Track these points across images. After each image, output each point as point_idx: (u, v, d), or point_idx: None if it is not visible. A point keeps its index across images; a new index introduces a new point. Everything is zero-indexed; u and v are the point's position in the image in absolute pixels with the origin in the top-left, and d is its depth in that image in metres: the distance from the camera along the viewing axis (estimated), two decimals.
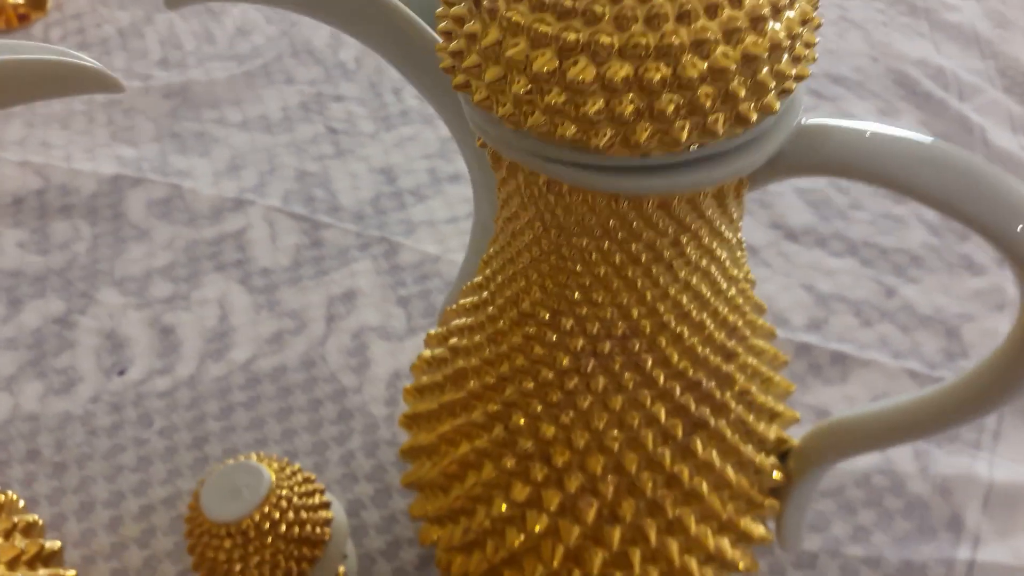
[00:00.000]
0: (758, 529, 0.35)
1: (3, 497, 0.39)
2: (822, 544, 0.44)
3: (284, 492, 0.38)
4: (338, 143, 0.68)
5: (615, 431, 0.30)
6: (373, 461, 0.48)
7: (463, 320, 0.34)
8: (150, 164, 0.67)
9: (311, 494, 0.40)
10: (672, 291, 0.28)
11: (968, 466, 0.47)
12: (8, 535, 0.36)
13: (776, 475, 0.35)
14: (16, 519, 0.39)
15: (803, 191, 0.63)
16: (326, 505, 0.40)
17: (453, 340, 0.35)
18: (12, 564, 0.36)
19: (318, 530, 0.39)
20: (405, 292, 0.57)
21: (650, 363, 0.30)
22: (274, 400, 0.51)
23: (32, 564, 0.38)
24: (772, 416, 0.35)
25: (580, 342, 0.29)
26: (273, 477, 0.39)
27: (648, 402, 0.30)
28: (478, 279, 0.33)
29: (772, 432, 0.34)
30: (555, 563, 0.33)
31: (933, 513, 0.45)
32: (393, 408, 0.51)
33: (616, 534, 0.32)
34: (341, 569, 0.42)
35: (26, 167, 0.67)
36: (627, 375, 0.30)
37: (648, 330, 0.29)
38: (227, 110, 0.72)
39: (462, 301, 0.35)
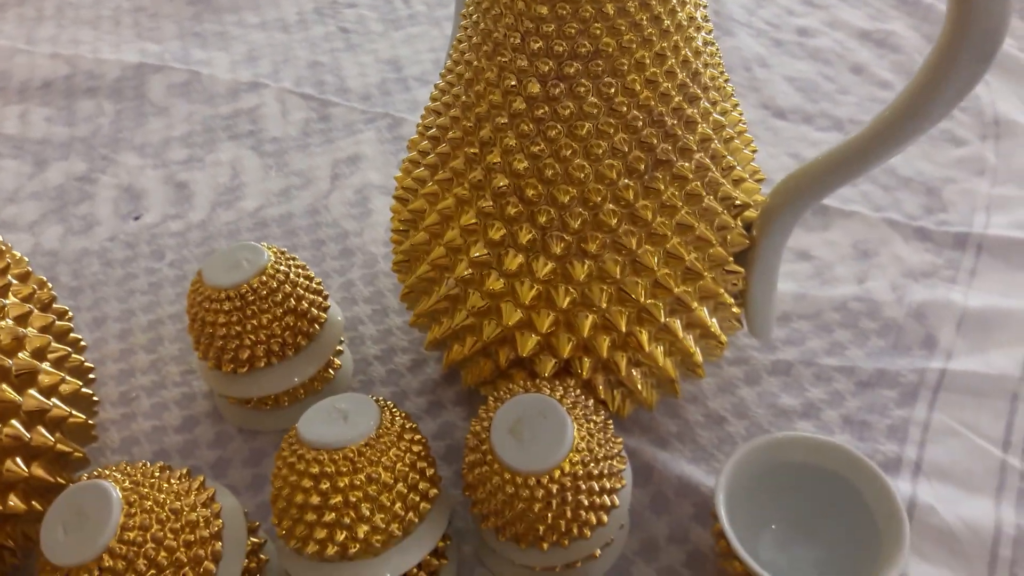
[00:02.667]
0: (719, 290, 0.37)
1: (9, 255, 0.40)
2: (798, 356, 0.46)
3: (282, 268, 0.41)
4: (349, 40, 0.71)
5: (582, 161, 0.33)
6: (371, 288, 0.50)
7: (437, 104, 0.37)
8: (172, 55, 0.70)
9: (309, 278, 0.42)
10: (631, 7, 0.31)
11: (944, 295, 0.48)
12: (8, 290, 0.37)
13: (741, 237, 0.37)
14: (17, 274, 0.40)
15: (792, 78, 0.65)
16: (321, 292, 0.43)
17: (431, 120, 0.37)
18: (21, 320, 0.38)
19: (314, 309, 0.42)
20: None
21: (614, 89, 0.32)
22: (280, 240, 0.54)
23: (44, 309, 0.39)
24: (737, 181, 0.37)
25: (548, 65, 0.32)
26: (273, 257, 0.41)
27: (613, 131, 0.32)
28: (445, 71, 0.36)
29: (738, 194, 0.36)
30: (527, 300, 0.35)
31: (908, 334, 0.47)
32: (389, 248, 0.53)
33: (583, 268, 0.34)
34: (336, 361, 0.45)
35: (56, 58, 0.70)
36: (592, 100, 0.32)
37: (611, 50, 0.31)
38: (246, 14, 0.75)
39: (432, 100, 0.38)
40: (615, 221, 0.33)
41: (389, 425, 0.34)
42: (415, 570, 0.35)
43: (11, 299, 0.36)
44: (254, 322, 0.40)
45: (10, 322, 0.35)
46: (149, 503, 0.32)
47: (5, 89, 0.68)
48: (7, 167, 0.61)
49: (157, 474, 0.34)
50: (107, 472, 0.33)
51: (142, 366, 0.47)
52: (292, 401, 0.43)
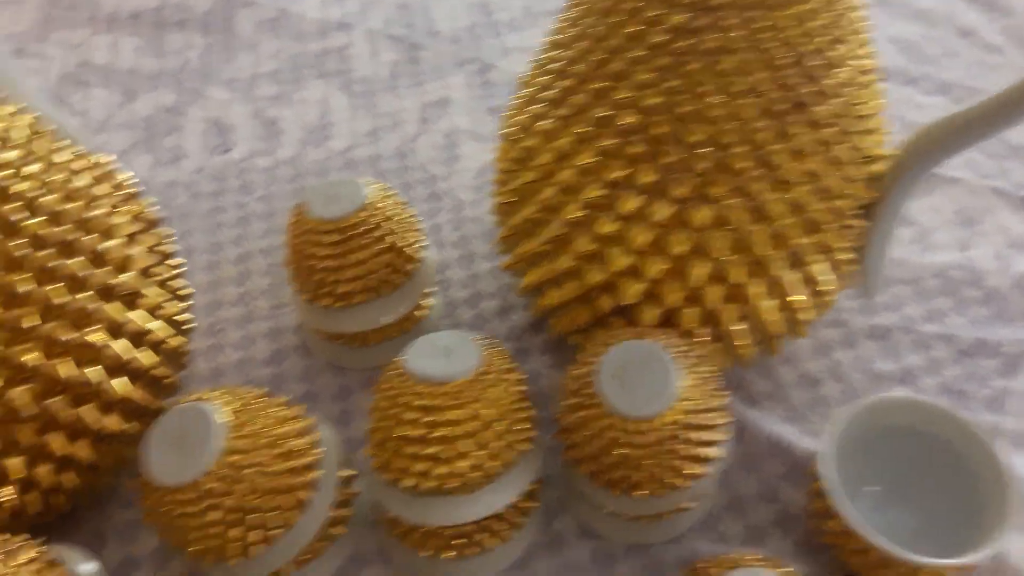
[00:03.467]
0: (838, 245, 0.36)
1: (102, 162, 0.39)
2: (896, 321, 0.44)
3: (380, 206, 0.41)
4: None
5: (719, 99, 0.31)
6: (458, 233, 0.50)
7: (561, 37, 0.36)
8: None
9: (408, 216, 0.42)
10: None
11: None
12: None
13: (866, 190, 0.35)
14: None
15: (897, 39, 0.62)
16: (419, 231, 0.43)
17: (555, 54, 0.36)
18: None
19: (412, 248, 0.41)
20: (495, 103, 0.59)
21: (760, 24, 0.30)
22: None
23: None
24: (867, 130, 0.35)
25: None
26: (375, 192, 0.41)
27: (754, 68, 0.31)
28: (571, 3, 0.35)
29: (866, 144, 0.35)
30: (640, 245, 0.34)
31: (1011, 304, 0.45)
32: (479, 195, 0.52)
33: (704, 213, 0.33)
34: (427, 302, 0.45)
35: None
36: (738, 34, 0.31)
37: None
38: None
39: (554, 34, 0.37)
40: (745, 164, 0.32)
41: (492, 364, 0.33)
42: (506, 509, 0.35)
43: (119, 218, 0.36)
44: (355, 256, 0.40)
45: (118, 241, 0.35)
46: (252, 428, 0.32)
47: (95, 19, 0.68)
48: (97, 96, 0.61)
49: (259, 401, 0.34)
50: (210, 396, 0.33)
51: (230, 299, 0.47)
52: (381, 339, 0.43)
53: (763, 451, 0.39)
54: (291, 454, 0.33)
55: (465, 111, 0.58)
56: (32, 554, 0.30)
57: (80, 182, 0.35)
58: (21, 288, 0.31)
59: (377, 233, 0.40)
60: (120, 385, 0.35)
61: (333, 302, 0.41)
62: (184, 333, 0.39)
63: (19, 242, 0.31)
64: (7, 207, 0.31)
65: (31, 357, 0.31)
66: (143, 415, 0.37)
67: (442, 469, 0.32)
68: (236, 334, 0.46)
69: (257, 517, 0.32)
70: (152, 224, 0.38)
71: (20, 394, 0.31)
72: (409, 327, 0.44)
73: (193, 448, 0.31)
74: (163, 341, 0.37)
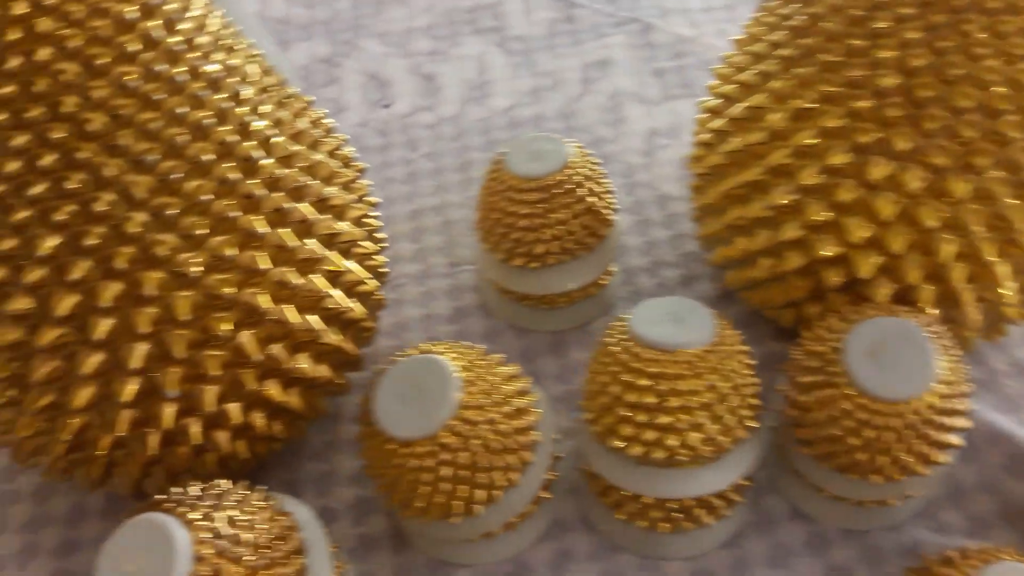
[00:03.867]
0: None
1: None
2: None
3: (579, 166, 0.39)
4: None
5: (997, 62, 0.29)
6: (631, 198, 0.48)
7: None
8: None
9: (603, 177, 0.41)
10: None
11: None
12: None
13: None
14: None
15: None
16: (612, 192, 0.41)
17: (792, 8, 0.34)
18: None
19: (607, 210, 0.40)
20: (659, 65, 0.57)
21: None
22: None
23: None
24: None
25: None
26: (574, 151, 0.39)
27: None
28: None
29: None
30: (887, 215, 0.32)
31: None
32: (649, 159, 0.51)
33: (965, 185, 0.31)
34: (612, 268, 0.43)
35: None
36: None
37: None
38: None
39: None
40: (1017, 135, 0.30)
41: (725, 335, 0.32)
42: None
43: (335, 163, 0.35)
44: (555, 216, 0.38)
45: (337, 187, 0.34)
46: (483, 385, 0.31)
47: None
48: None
49: (482, 358, 0.33)
50: (437, 348, 0.32)
51: (406, 255, 0.47)
52: (568, 302, 0.42)
53: (982, 440, 0.37)
54: (518, 413, 0.32)
55: (627, 72, 0.56)
56: (261, 501, 0.30)
57: (301, 124, 0.34)
58: (259, 228, 0.30)
59: (579, 193, 0.39)
60: (334, 334, 0.34)
61: (527, 262, 0.39)
62: (382, 282, 0.38)
63: (256, 181, 0.31)
64: (247, 144, 0.30)
65: (263, 300, 0.31)
66: (344, 365, 0.36)
67: (673, 440, 0.31)
68: (415, 290, 0.45)
69: (486, 476, 0.31)
70: (360, 172, 0.37)
71: (249, 339, 0.31)
72: (594, 292, 0.42)
73: (429, 401, 0.30)
74: (372, 292, 0.36)
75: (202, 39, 0.29)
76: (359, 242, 0.35)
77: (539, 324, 0.42)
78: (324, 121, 0.37)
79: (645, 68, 0.56)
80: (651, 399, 0.31)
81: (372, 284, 0.36)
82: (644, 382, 0.31)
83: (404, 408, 0.31)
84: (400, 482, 0.31)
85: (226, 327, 0.30)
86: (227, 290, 0.30)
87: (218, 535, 0.27)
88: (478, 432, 0.30)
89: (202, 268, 0.29)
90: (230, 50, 0.30)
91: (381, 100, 0.56)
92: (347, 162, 0.36)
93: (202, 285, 0.29)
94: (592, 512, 0.36)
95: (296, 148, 0.32)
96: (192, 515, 0.27)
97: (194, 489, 0.29)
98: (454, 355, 0.32)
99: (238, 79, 0.31)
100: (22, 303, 0.28)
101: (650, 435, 0.31)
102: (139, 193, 0.27)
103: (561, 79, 0.56)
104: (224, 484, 0.30)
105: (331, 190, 0.34)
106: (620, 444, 0.32)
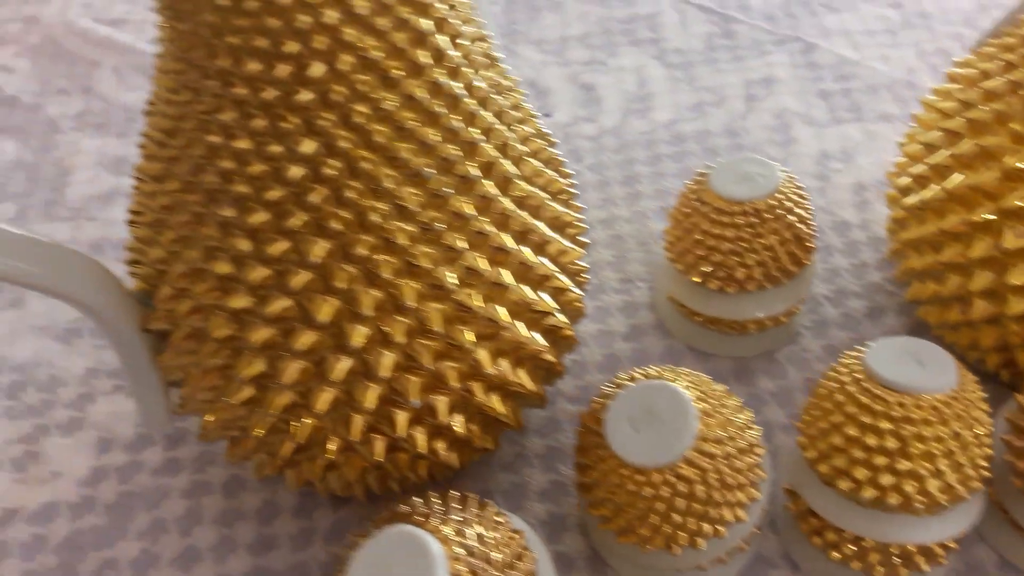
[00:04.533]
0: None
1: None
2: None
3: (787, 190, 0.39)
4: None
5: None
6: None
7: None
8: None
9: (806, 205, 0.40)
10: None
11: None
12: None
13: None
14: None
15: None
16: (814, 217, 0.40)
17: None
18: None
19: (808, 237, 0.39)
20: (825, 87, 0.55)
21: None
22: (700, 157, 0.52)
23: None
24: None
25: None
26: (784, 176, 0.39)
27: None
28: None
29: None
30: None
31: None
32: (823, 183, 0.50)
33: None
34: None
35: None
36: None
37: None
38: None
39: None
40: None
41: (966, 382, 0.31)
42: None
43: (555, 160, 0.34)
44: (763, 241, 0.38)
45: (559, 206, 0.34)
46: (719, 417, 0.31)
47: None
48: None
49: (713, 388, 0.32)
50: (668, 375, 0.32)
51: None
52: (758, 329, 0.41)
53: None
54: (749, 448, 0.31)
55: (792, 92, 0.55)
56: (498, 517, 0.30)
57: (537, 137, 0.34)
58: (508, 244, 0.30)
59: (788, 219, 0.38)
60: (551, 351, 0.34)
61: (726, 286, 0.39)
62: (583, 291, 0.37)
63: (509, 198, 0.30)
64: (505, 161, 0.30)
65: (503, 313, 0.30)
66: (549, 374, 0.36)
67: (911, 486, 0.30)
68: (589, 303, 0.44)
69: (716, 511, 0.30)
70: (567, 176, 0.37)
71: (486, 351, 0.31)
72: (784, 320, 0.42)
73: (667, 430, 0.30)
74: (575, 302, 0.36)
75: (477, 54, 0.29)
76: (576, 261, 0.35)
77: (723, 349, 0.42)
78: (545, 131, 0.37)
79: (810, 89, 0.55)
80: (893, 444, 0.30)
81: (575, 294, 0.36)
82: (886, 425, 0.30)
83: (638, 434, 0.30)
84: (628, 509, 0.31)
85: (470, 339, 0.30)
86: (476, 303, 0.29)
87: (471, 553, 0.27)
88: (716, 466, 0.30)
89: (458, 281, 0.29)
90: (492, 64, 0.30)
91: (542, 108, 0.55)
92: (563, 174, 0.36)
93: (453, 298, 0.29)
94: (797, 550, 0.35)
95: (537, 164, 0.32)
96: (445, 530, 0.27)
97: (435, 500, 0.29)
98: (686, 383, 0.31)
99: (499, 94, 0.30)
100: (282, 305, 0.28)
101: (887, 480, 0.30)
102: (411, 206, 0.27)
103: (724, 95, 0.56)
104: (458, 496, 0.30)
105: (559, 207, 0.33)
106: (851, 487, 0.31)
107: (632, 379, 0.32)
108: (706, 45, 0.59)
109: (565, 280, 0.33)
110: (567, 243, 0.34)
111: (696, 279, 0.39)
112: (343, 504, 0.37)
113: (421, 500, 0.30)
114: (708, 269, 0.39)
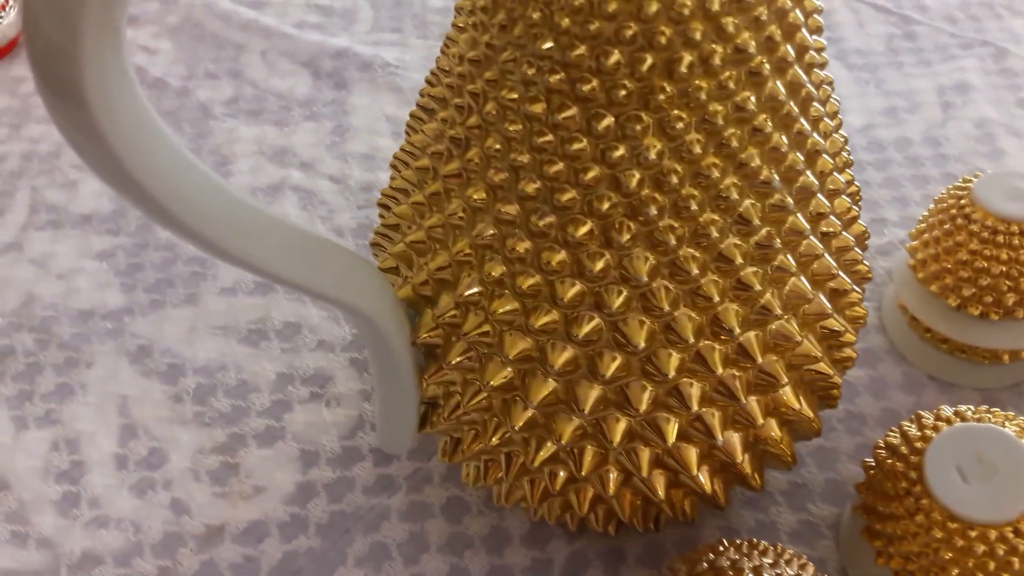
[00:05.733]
0: None
1: None
2: None
3: None
4: None
5: None
6: None
7: None
8: None
9: None
10: None
11: None
12: None
13: None
14: None
15: None
16: None
17: None
18: None
19: None
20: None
21: None
22: (904, 167, 0.48)
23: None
24: None
25: None
26: None
27: None
28: None
29: None
30: None
31: None
32: None
33: None
34: None
35: None
36: None
37: None
38: None
39: None
40: None
41: None
42: None
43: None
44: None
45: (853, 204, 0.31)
46: None
47: None
48: None
49: None
50: (997, 418, 0.29)
51: None
52: (1012, 359, 0.38)
53: None
54: None
55: (990, 100, 0.52)
56: (808, 572, 0.27)
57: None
58: (832, 268, 0.27)
59: None
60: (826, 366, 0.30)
61: (990, 312, 0.36)
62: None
63: (833, 217, 0.27)
64: (832, 179, 0.27)
65: (810, 347, 0.27)
66: (823, 398, 0.33)
67: None
68: None
69: None
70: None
71: (791, 385, 0.28)
72: None
73: (1005, 482, 0.27)
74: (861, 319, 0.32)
75: (815, 54, 0.26)
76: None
77: (969, 379, 0.39)
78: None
79: (1009, 98, 0.52)
80: None
81: (862, 311, 0.32)
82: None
83: (967, 485, 0.27)
84: (950, 563, 0.27)
85: (782, 370, 0.27)
86: (794, 332, 0.26)
87: None
88: None
89: (782, 307, 0.26)
90: (822, 66, 0.27)
91: None
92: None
93: (772, 327, 0.26)
94: None
95: (840, 178, 0.29)
96: None
97: (747, 549, 0.26)
98: (1016, 428, 0.28)
99: (825, 97, 0.27)
100: (593, 326, 0.25)
101: None
102: (755, 220, 0.24)
103: (916, 101, 0.52)
104: (766, 546, 0.27)
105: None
106: None
107: (948, 421, 0.29)
108: (887, 47, 0.56)
109: (856, 298, 0.30)
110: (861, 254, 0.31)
111: (953, 303, 0.36)
112: (577, 536, 0.34)
113: (727, 547, 0.27)
114: (971, 292, 0.36)
